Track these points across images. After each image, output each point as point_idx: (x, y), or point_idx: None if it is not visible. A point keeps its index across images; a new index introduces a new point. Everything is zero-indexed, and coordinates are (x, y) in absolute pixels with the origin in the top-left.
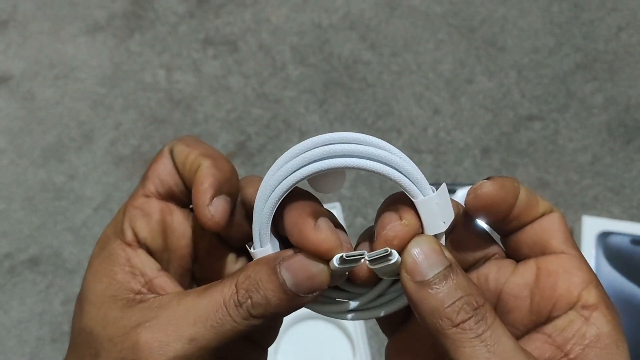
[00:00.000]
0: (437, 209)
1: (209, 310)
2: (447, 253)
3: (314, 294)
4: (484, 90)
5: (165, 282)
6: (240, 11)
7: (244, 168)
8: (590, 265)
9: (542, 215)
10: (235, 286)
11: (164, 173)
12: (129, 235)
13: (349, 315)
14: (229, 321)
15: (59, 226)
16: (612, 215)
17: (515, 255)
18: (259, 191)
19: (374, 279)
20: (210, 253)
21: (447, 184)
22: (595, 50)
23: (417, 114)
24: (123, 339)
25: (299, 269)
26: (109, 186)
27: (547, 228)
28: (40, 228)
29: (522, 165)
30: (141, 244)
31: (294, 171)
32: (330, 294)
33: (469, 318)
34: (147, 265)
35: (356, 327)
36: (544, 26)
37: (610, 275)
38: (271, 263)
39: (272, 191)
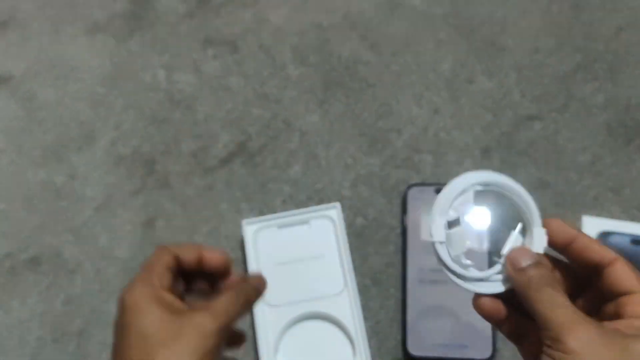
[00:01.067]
0: (538, 238)
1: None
2: (536, 255)
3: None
4: (484, 90)
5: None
6: (241, 11)
7: (244, 168)
8: None
9: (608, 264)
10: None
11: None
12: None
13: (474, 285)
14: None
15: (59, 226)
16: (612, 215)
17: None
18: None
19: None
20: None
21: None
22: (595, 50)
23: (417, 114)
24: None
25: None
26: (110, 186)
27: (615, 277)
28: (41, 228)
29: (522, 165)
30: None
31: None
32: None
33: (543, 286)
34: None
35: (356, 328)
36: (544, 26)
37: None
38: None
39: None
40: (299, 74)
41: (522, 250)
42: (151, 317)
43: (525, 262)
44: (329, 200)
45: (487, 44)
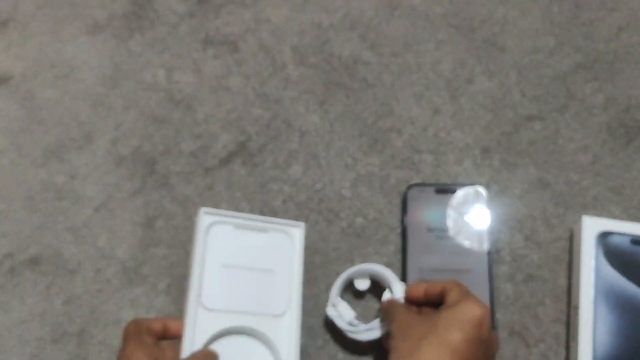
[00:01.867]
0: (397, 289)
1: None
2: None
3: None
4: (484, 90)
5: None
6: (241, 11)
7: (244, 168)
8: (590, 265)
9: (449, 289)
10: None
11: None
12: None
13: (361, 335)
14: None
15: (59, 226)
16: (612, 215)
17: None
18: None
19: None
20: None
21: (447, 184)
22: (595, 50)
23: (417, 114)
24: None
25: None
26: (110, 186)
27: (451, 295)
28: (41, 228)
29: (522, 165)
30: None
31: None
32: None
33: (390, 311)
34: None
35: (290, 355)
36: (544, 26)
37: (610, 275)
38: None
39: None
40: (299, 74)
41: (387, 301)
42: None
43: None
44: (329, 200)
45: (487, 44)
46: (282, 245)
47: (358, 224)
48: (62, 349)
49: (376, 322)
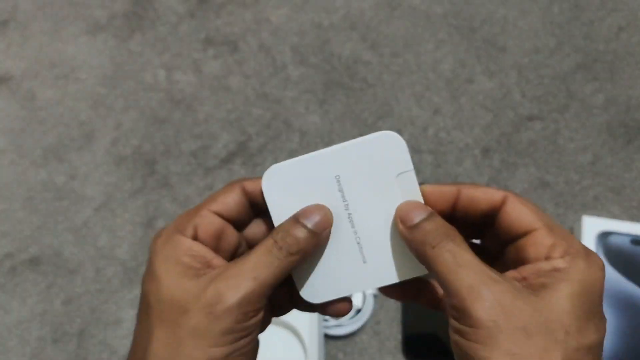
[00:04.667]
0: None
1: (259, 257)
2: (427, 207)
3: (328, 230)
4: (484, 90)
5: (221, 261)
6: (241, 11)
7: (244, 168)
8: None
9: (500, 206)
10: (273, 238)
11: (232, 202)
12: (190, 232)
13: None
14: (276, 260)
15: (59, 226)
16: (612, 215)
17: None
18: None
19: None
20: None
21: (446, 184)
22: (595, 50)
23: (417, 114)
24: (205, 292)
25: (317, 215)
26: (110, 186)
27: (510, 218)
28: (41, 228)
29: (522, 165)
30: (199, 241)
31: None
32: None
33: (442, 241)
34: (205, 251)
35: (312, 337)
36: (545, 26)
37: (610, 275)
38: (294, 217)
39: None
40: (299, 74)
41: (411, 204)
42: (165, 286)
43: (418, 217)
44: None
45: (487, 44)
46: None
47: None
48: (62, 349)
49: (346, 319)
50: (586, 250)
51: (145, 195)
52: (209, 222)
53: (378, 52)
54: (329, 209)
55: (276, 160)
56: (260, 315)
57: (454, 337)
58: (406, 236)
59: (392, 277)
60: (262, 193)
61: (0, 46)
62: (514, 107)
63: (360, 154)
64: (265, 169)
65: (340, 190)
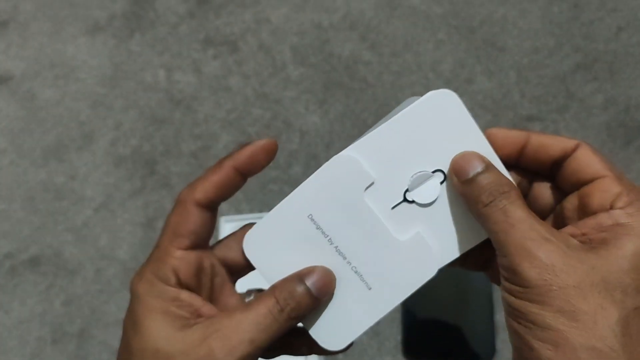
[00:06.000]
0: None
1: (259, 318)
2: (484, 159)
3: (327, 296)
4: (484, 90)
5: (210, 309)
6: (241, 11)
7: None
8: None
9: (571, 153)
10: (275, 298)
11: (197, 225)
12: (173, 279)
13: None
14: (276, 324)
15: (59, 226)
16: None
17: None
18: None
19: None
20: (223, 286)
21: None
22: (595, 50)
23: None
24: (196, 349)
25: (320, 279)
26: (110, 186)
27: (579, 163)
28: (41, 228)
29: None
30: (182, 286)
31: None
32: None
33: (495, 198)
34: (193, 298)
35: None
36: (544, 26)
37: None
38: (298, 278)
39: None
40: (299, 74)
41: (467, 154)
42: (150, 336)
43: (473, 170)
44: None
45: (487, 44)
46: None
47: None
48: (62, 349)
49: None
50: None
51: (145, 195)
52: (186, 262)
53: (378, 52)
54: (332, 273)
55: (276, 160)
56: None
57: (506, 295)
58: (459, 190)
59: (399, 296)
60: (244, 256)
61: (0, 46)
62: (514, 107)
63: (319, 185)
64: (266, 169)
65: (319, 228)
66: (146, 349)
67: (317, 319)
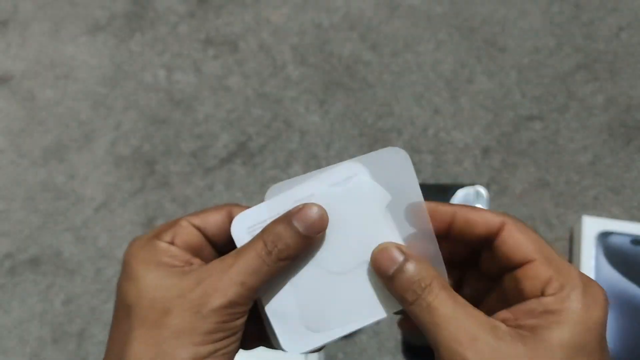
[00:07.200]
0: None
1: (248, 261)
2: (402, 248)
3: (320, 233)
4: (484, 90)
5: (201, 262)
6: (241, 11)
7: (244, 168)
8: (590, 265)
9: (497, 232)
10: (264, 241)
11: (214, 221)
12: (168, 238)
13: None
14: (265, 266)
15: (59, 226)
16: (612, 215)
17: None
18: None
19: None
20: None
21: (447, 184)
22: (595, 50)
23: (417, 114)
24: (191, 292)
25: (308, 217)
26: (110, 186)
27: (505, 247)
28: (41, 228)
29: (522, 165)
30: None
31: None
32: None
33: (419, 297)
34: (184, 253)
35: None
36: (545, 26)
37: (610, 275)
38: (285, 219)
39: None
40: (299, 74)
41: (383, 249)
42: (145, 286)
43: (392, 267)
44: None
45: (487, 44)
46: None
47: None
48: (62, 349)
49: None
50: (586, 284)
51: (145, 195)
52: (187, 232)
53: (378, 52)
54: (323, 209)
55: (276, 160)
56: (246, 316)
57: None
58: (387, 287)
59: (377, 313)
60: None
61: (0, 46)
62: (514, 107)
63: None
64: (266, 169)
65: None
66: (143, 297)
67: (285, 319)
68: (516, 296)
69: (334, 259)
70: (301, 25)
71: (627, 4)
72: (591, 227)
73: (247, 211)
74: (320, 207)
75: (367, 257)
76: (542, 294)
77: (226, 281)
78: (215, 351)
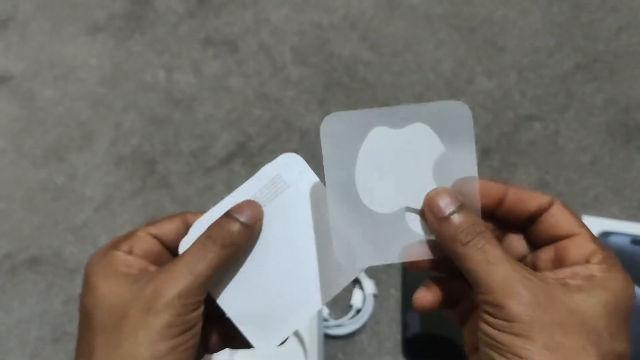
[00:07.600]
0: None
1: (194, 251)
2: (457, 196)
3: (259, 222)
4: (484, 90)
5: (156, 268)
6: (241, 11)
7: (244, 168)
8: None
9: (547, 208)
10: (207, 234)
11: (170, 229)
12: (125, 248)
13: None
14: (210, 253)
15: (59, 226)
16: (612, 215)
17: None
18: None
19: None
20: None
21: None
22: (595, 50)
23: None
24: (143, 292)
25: (244, 208)
26: (110, 186)
27: (554, 220)
28: (41, 228)
29: (522, 165)
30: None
31: None
32: None
33: (473, 238)
34: (140, 262)
35: (312, 338)
36: (544, 26)
37: None
38: (226, 214)
39: None
40: (299, 74)
41: (441, 193)
42: (103, 295)
43: (448, 209)
44: None
45: (487, 44)
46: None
47: None
48: (62, 349)
49: (346, 319)
50: (622, 266)
51: (145, 195)
52: (145, 241)
53: (378, 52)
54: (259, 205)
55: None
56: (201, 309)
57: (487, 329)
58: (435, 228)
59: (320, 299)
60: None
61: (0, 46)
62: (514, 107)
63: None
64: None
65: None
66: (101, 306)
67: (246, 314)
68: (560, 263)
69: (278, 253)
70: (301, 25)
71: (627, 4)
72: (591, 227)
73: (203, 217)
74: (255, 202)
75: (307, 249)
76: (587, 262)
77: (175, 273)
78: (175, 347)
